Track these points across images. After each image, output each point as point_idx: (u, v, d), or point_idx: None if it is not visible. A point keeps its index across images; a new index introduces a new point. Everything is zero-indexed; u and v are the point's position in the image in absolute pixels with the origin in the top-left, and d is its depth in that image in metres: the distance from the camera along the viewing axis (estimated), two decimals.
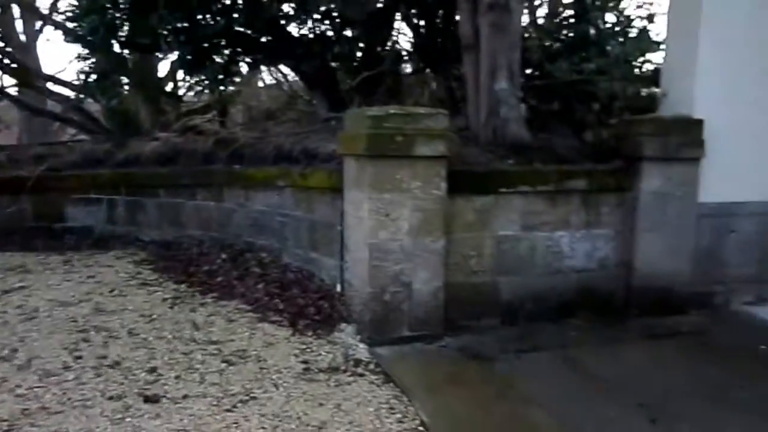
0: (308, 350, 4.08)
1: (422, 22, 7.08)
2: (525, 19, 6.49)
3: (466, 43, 5.18)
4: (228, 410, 3.24)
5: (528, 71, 5.68)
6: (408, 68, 8.23)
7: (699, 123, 4.80)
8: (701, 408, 3.37)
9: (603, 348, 4.25)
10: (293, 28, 7.30)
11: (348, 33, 7.33)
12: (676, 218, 4.86)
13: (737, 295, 5.27)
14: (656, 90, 5.13)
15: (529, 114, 6.02)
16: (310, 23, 7.26)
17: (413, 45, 7.77)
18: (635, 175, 4.75)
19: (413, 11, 6.82)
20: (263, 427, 3.10)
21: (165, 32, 6.80)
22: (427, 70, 7.37)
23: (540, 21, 6.76)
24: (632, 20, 5.79)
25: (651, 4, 6.72)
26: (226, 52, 7.16)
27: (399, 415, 3.26)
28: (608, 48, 5.47)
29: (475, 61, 5.08)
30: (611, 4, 6.04)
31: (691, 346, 4.32)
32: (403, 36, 8.47)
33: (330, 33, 7.26)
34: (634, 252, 4.82)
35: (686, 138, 4.76)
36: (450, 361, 3.99)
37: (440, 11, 6.62)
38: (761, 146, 5.15)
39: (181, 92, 10.83)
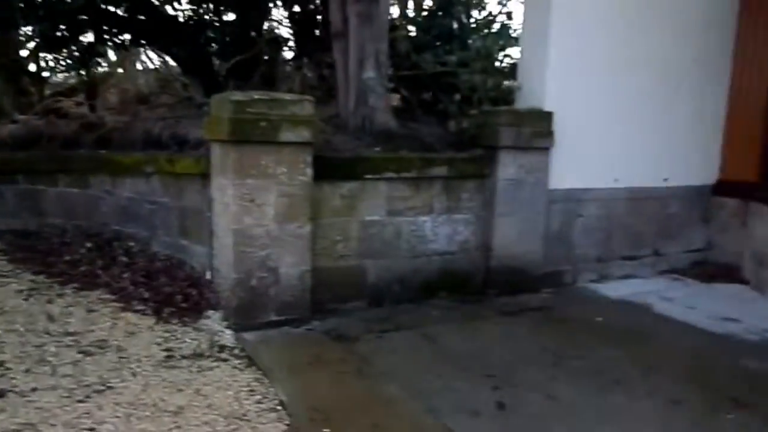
0: (172, 338, 4.03)
1: (298, 9, 7.07)
2: (397, 11, 6.70)
3: (335, 32, 5.27)
4: (80, 401, 3.14)
5: (397, 62, 5.85)
6: (290, 55, 8.20)
7: (549, 115, 5.21)
8: (541, 375, 3.69)
9: (460, 325, 4.53)
10: (167, 10, 7.04)
11: (224, 17, 7.17)
12: (529, 204, 5.26)
13: (583, 273, 5.81)
14: (514, 83, 5.48)
15: (401, 104, 6.24)
16: (183, 4, 7.03)
17: (292, 32, 7.75)
18: (493, 162, 5.08)
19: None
20: (117, 416, 3.03)
21: (22, 5, 6.32)
22: (305, 58, 7.37)
23: (410, 13, 6.97)
24: (494, 16, 6.15)
25: (510, 1, 7.10)
26: (91, 30, 6.75)
27: (259, 397, 3.31)
28: (470, 42, 5.77)
29: (345, 49, 5.19)
30: (475, 1, 6.36)
31: (538, 321, 4.71)
32: (286, 23, 8.43)
33: (204, 15, 7.07)
34: (491, 235, 5.17)
35: (538, 129, 5.16)
36: (314, 343, 4.09)
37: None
38: (604, 137, 5.69)
39: (47, 73, 10.05)
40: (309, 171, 4.29)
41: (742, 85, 6.30)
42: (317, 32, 6.70)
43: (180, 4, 7.10)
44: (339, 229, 4.65)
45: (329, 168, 4.52)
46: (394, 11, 6.57)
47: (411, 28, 6.29)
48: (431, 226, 4.97)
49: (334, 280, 4.65)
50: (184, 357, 3.77)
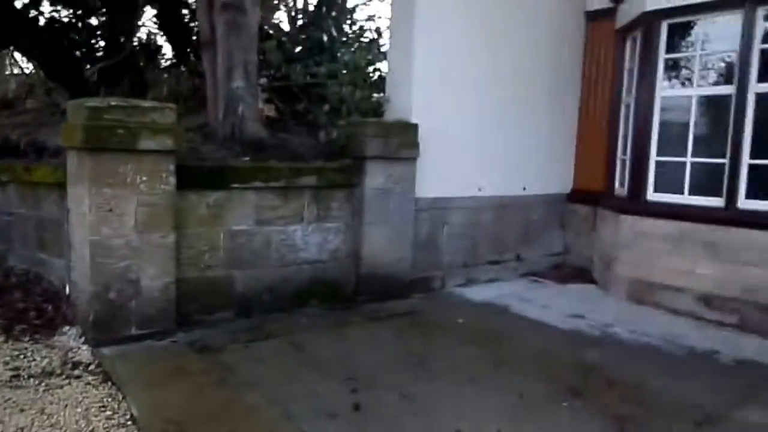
0: (21, 356, 3.82)
1: (172, 15, 6.90)
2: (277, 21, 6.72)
3: (204, 40, 5.22)
4: None
5: (270, 72, 5.88)
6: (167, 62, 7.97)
7: (415, 126, 5.46)
8: (401, 376, 3.84)
9: (329, 332, 4.61)
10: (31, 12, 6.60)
11: (89, 20, 6.84)
12: (397, 212, 5.47)
13: (452, 278, 6.11)
14: (383, 96, 5.69)
15: (276, 114, 6.27)
16: (45, 5, 6.63)
17: (167, 39, 7.54)
18: (361, 172, 5.24)
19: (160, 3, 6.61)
20: None
21: None
22: (181, 66, 7.21)
23: (283, 25, 7.05)
24: (364, 31, 6.36)
25: (380, 17, 7.37)
26: None
27: (109, 412, 3.19)
28: (339, 55, 5.93)
29: (213, 58, 5.14)
30: (347, 16, 6.54)
31: (405, 325, 4.90)
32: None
33: (68, 18, 6.71)
34: (361, 244, 5.31)
35: (405, 140, 5.38)
36: (177, 356, 4.00)
37: (186, 6, 6.52)
38: (468, 149, 6.04)
39: None
40: (172, 180, 4.20)
41: (589, 105, 6.95)
42: (190, 39, 6.57)
43: (41, 6, 6.69)
44: (206, 239, 4.59)
45: (195, 177, 4.45)
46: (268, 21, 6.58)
47: (282, 39, 6.33)
48: (301, 235, 5.03)
49: (201, 291, 4.57)
50: (32, 376, 3.58)
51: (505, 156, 6.41)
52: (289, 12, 6.83)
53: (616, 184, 6.33)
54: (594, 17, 6.84)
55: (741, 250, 4.99)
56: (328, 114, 5.59)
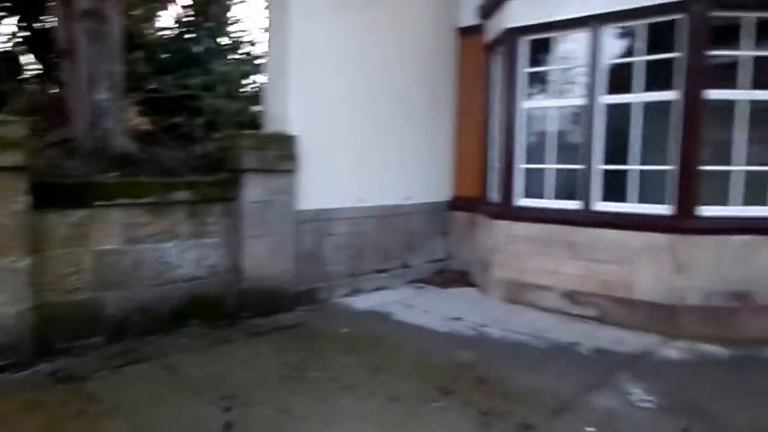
0: None
1: (35, 24, 6.47)
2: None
3: (64, 50, 4.93)
4: None
5: (141, 84, 5.66)
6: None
7: (293, 138, 5.47)
8: (278, 391, 3.81)
9: (207, 351, 4.49)
10: None
11: None
12: (278, 225, 5.44)
13: (337, 289, 6.16)
14: (261, 108, 5.64)
15: (151, 127, 6.03)
16: None
17: (28, 48, 7.05)
18: (239, 185, 5.17)
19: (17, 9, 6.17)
20: None
21: None
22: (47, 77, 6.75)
23: (155, 34, 6.81)
24: (240, 43, 6.28)
25: (258, 29, 7.28)
26: None
27: None
28: (213, 66, 5.82)
29: (75, 69, 4.88)
30: (224, 27, 6.44)
31: (287, 339, 4.86)
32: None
33: None
34: (242, 258, 5.23)
35: (282, 152, 5.37)
36: (34, 388, 3.73)
37: (42, 13, 6.14)
38: (350, 160, 6.13)
39: None
40: (24, 199, 3.93)
41: (464, 116, 7.29)
42: (51, 49, 6.17)
43: None
44: (70, 260, 4.32)
45: (55, 195, 4.20)
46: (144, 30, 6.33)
47: (151, 49, 6.11)
48: (177, 252, 4.87)
49: (66, 317, 4.30)
50: None
51: (387, 167, 6.58)
52: (161, 22, 6.61)
53: (491, 191, 6.66)
54: (465, 33, 7.20)
55: (597, 249, 5.42)
56: (203, 127, 5.46)
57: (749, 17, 4.92)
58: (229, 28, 6.45)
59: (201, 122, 5.42)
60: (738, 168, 5.02)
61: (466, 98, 7.27)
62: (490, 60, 6.69)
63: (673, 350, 4.70)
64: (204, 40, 5.95)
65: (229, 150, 5.20)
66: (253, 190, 5.22)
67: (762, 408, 3.72)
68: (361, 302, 6.02)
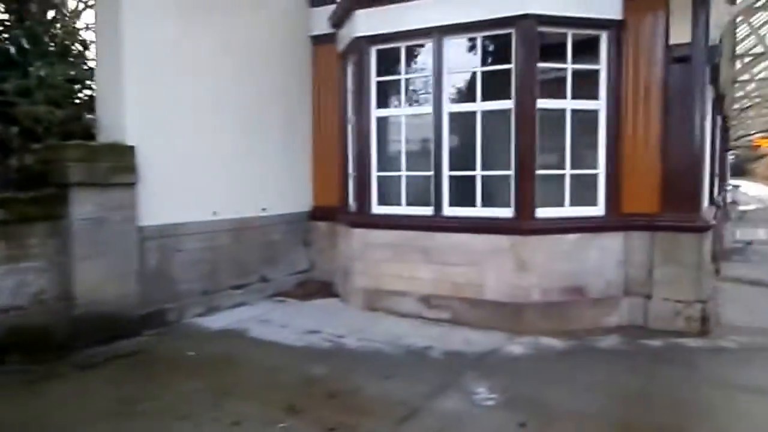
0: None
1: None
2: None
3: None
4: None
5: None
6: None
7: (131, 149, 5.07)
8: (104, 428, 3.46)
9: (25, 391, 3.98)
10: None
11: None
12: (116, 243, 5.00)
13: (189, 308, 5.79)
14: (94, 116, 5.17)
15: None
16: None
17: None
18: (66, 202, 4.68)
19: None
20: None
21: None
22: None
23: None
24: (67, 44, 5.73)
25: (87, 30, 6.64)
26: None
27: None
28: (31, 70, 5.25)
29: None
30: (47, 27, 5.83)
31: (125, 367, 4.47)
32: None
33: None
34: (72, 282, 4.74)
35: (118, 164, 4.95)
36: None
37: None
38: (200, 172, 5.81)
39: None
40: None
41: (321, 125, 7.23)
42: None
43: None
44: None
45: None
46: None
47: None
48: None
49: None
50: None
51: (241, 178, 6.32)
52: None
53: (349, 200, 6.63)
54: (318, 41, 7.15)
55: (449, 253, 5.56)
56: (20, 136, 4.88)
57: (574, 33, 5.33)
58: (55, 29, 5.85)
59: (15, 131, 4.82)
60: (569, 171, 5.40)
61: (323, 107, 7.20)
62: (343, 68, 6.67)
63: (517, 346, 4.91)
64: (21, 41, 5.34)
65: (53, 163, 4.70)
66: (83, 206, 4.76)
67: (584, 394, 3.94)
68: (216, 321, 5.71)
